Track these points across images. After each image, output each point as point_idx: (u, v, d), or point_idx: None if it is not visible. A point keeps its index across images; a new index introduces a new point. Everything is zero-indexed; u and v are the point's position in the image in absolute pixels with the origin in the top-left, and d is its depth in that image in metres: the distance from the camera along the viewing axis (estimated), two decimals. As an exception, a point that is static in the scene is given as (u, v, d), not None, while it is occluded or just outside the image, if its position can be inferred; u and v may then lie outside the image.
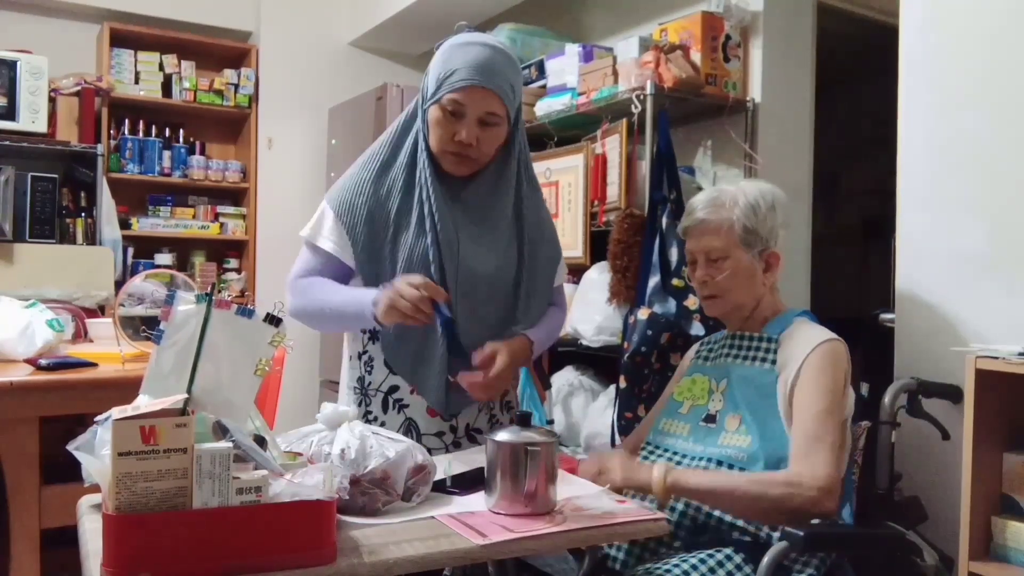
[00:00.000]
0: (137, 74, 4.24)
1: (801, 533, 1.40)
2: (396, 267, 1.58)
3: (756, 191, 1.71)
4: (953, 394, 1.88)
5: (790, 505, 1.46)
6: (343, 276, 1.64)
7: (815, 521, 1.50)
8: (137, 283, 2.31)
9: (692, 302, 2.29)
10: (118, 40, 4.20)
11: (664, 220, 2.44)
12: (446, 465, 1.43)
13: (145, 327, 2.23)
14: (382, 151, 1.65)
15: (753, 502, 1.48)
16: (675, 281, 2.37)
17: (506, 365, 1.54)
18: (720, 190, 1.74)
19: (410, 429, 1.63)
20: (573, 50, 2.97)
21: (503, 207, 1.63)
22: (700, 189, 2.71)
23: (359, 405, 1.66)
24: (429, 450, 1.57)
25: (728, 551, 1.47)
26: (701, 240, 1.72)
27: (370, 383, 1.65)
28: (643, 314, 2.27)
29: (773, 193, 1.72)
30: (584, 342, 2.67)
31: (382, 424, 1.63)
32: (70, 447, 1.07)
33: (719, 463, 1.58)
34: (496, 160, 1.63)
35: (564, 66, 3.00)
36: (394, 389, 1.63)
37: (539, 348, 1.67)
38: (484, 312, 1.60)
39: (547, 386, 2.82)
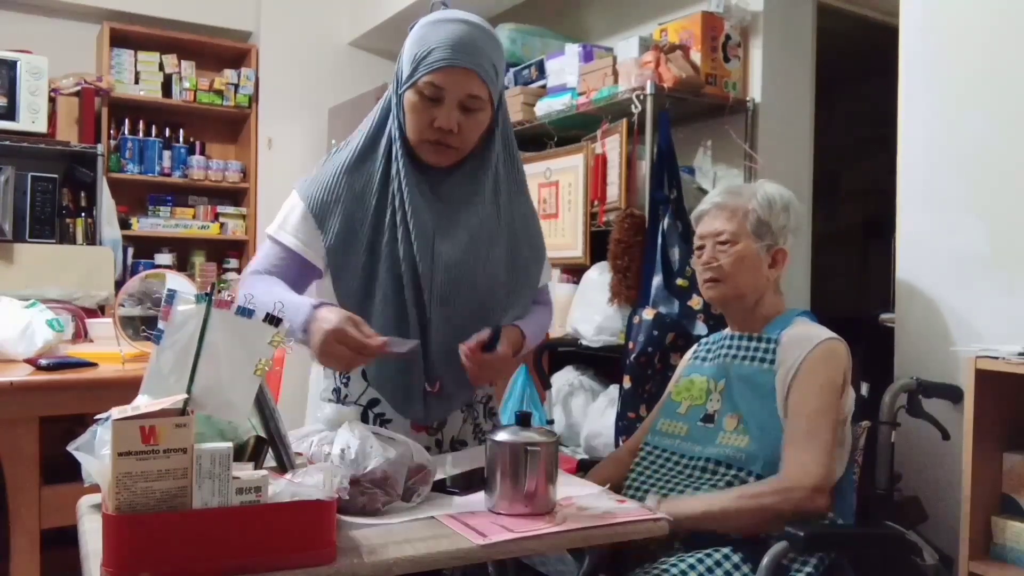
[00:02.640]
0: (137, 74, 4.24)
1: (801, 533, 1.40)
2: (375, 265, 1.46)
3: (775, 189, 1.75)
4: (953, 394, 1.88)
5: (785, 509, 1.47)
6: (302, 276, 1.49)
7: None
8: (137, 283, 2.31)
9: (696, 302, 2.29)
10: (118, 40, 4.20)
11: (665, 220, 2.44)
12: (446, 465, 1.43)
13: (145, 327, 2.23)
14: (359, 142, 1.50)
15: (749, 516, 1.48)
16: (679, 281, 2.36)
17: (507, 354, 1.44)
18: (739, 184, 1.77)
19: None
20: (573, 50, 2.97)
21: (482, 201, 1.50)
22: (700, 189, 2.71)
23: None
24: None
25: (726, 550, 1.47)
26: (713, 223, 1.73)
27: (347, 395, 1.52)
28: (648, 314, 2.27)
29: (790, 196, 1.76)
30: (584, 342, 2.67)
31: None
32: (70, 447, 1.06)
33: (717, 463, 1.58)
34: (476, 149, 1.50)
35: (564, 66, 3.00)
36: (375, 402, 1.51)
37: (530, 341, 1.55)
38: (462, 314, 1.47)
39: (547, 386, 2.82)
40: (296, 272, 1.48)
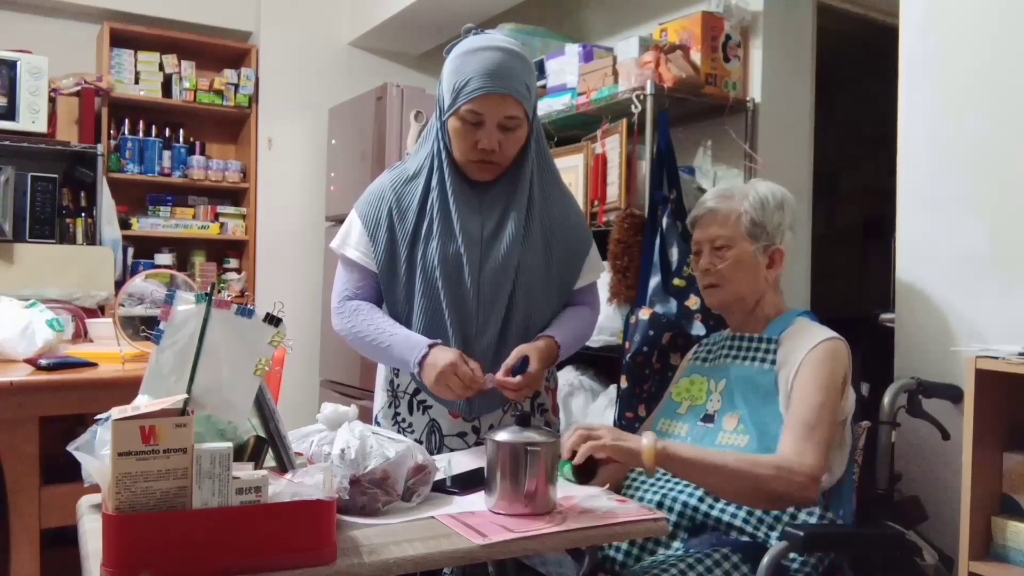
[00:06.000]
0: (137, 74, 4.24)
1: (801, 533, 1.40)
2: (414, 274, 1.60)
3: (767, 188, 1.74)
4: (953, 394, 1.88)
5: (776, 487, 1.45)
6: (380, 288, 1.65)
7: (810, 519, 1.50)
8: (137, 283, 2.31)
9: (693, 302, 2.29)
10: (118, 40, 4.20)
11: (664, 220, 2.44)
12: (446, 465, 1.43)
13: (145, 327, 2.23)
14: (407, 163, 1.67)
15: (741, 480, 1.46)
16: (676, 281, 2.36)
17: (538, 369, 1.55)
18: (732, 185, 1.78)
19: (433, 430, 1.65)
20: (573, 50, 2.96)
21: (520, 204, 1.62)
22: (700, 189, 2.71)
23: (389, 406, 1.70)
24: (451, 451, 1.60)
25: (725, 550, 1.47)
26: (708, 229, 1.73)
27: (398, 385, 1.69)
28: (645, 314, 2.27)
29: (783, 193, 1.75)
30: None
31: (409, 425, 1.67)
32: (70, 447, 1.07)
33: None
34: (513, 160, 1.63)
35: (564, 66, 3.00)
36: (418, 391, 1.66)
37: (567, 348, 1.66)
38: (504, 313, 1.60)
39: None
40: (378, 287, 1.65)
